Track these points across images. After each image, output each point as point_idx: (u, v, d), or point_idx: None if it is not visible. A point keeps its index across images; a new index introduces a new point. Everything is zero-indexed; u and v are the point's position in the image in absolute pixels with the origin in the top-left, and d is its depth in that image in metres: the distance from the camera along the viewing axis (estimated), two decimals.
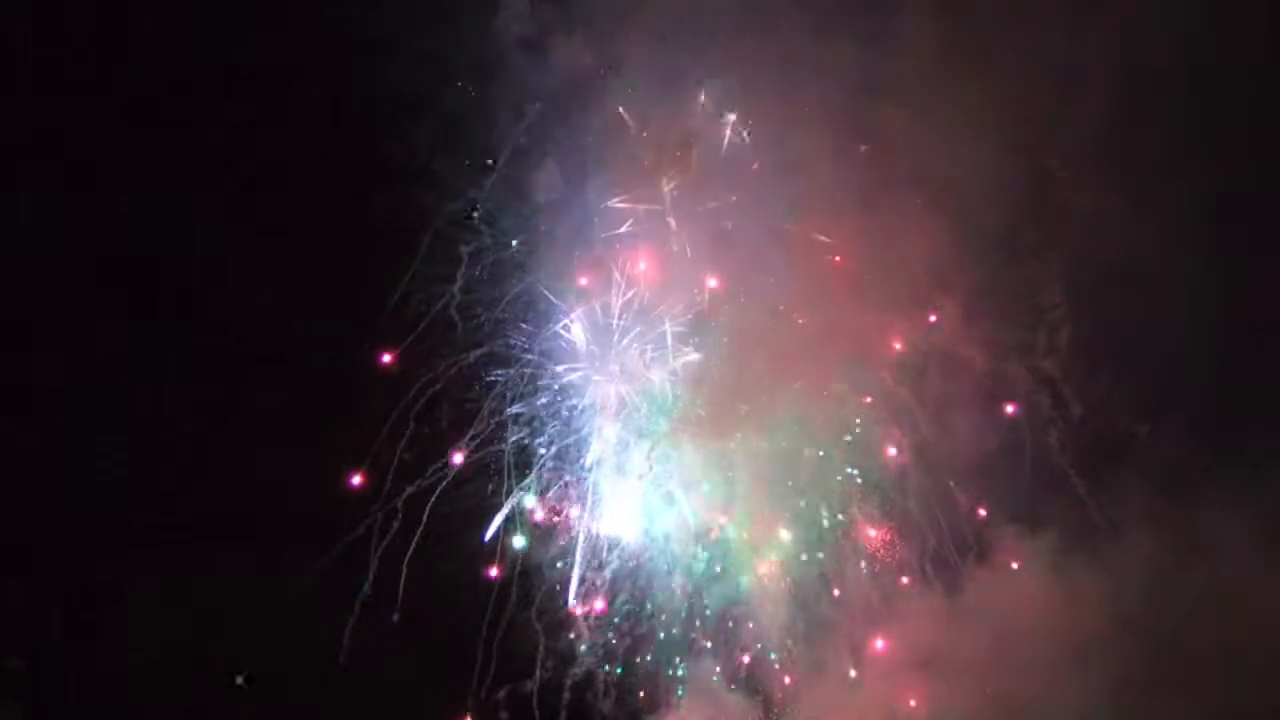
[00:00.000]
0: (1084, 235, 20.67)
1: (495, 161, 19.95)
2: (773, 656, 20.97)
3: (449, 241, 20.14)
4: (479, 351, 20.35)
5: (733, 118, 20.34)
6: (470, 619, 20.03)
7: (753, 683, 21.05)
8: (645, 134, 20.10)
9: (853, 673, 20.92)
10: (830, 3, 19.45)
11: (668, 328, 20.58)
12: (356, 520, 19.79)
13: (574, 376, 20.68)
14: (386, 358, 19.79)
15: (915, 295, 20.94)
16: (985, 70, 19.42)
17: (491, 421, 20.40)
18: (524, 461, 20.56)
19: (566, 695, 20.30)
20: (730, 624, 21.05)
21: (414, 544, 19.92)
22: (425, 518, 20.04)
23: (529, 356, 20.55)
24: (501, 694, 20.01)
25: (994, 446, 20.88)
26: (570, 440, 20.72)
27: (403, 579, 19.86)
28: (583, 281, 20.49)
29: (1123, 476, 20.60)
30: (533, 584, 20.50)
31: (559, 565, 20.58)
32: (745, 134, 20.42)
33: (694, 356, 20.75)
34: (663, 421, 20.90)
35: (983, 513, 21.14)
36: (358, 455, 19.72)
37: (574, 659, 20.48)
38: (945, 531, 21.15)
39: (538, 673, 20.19)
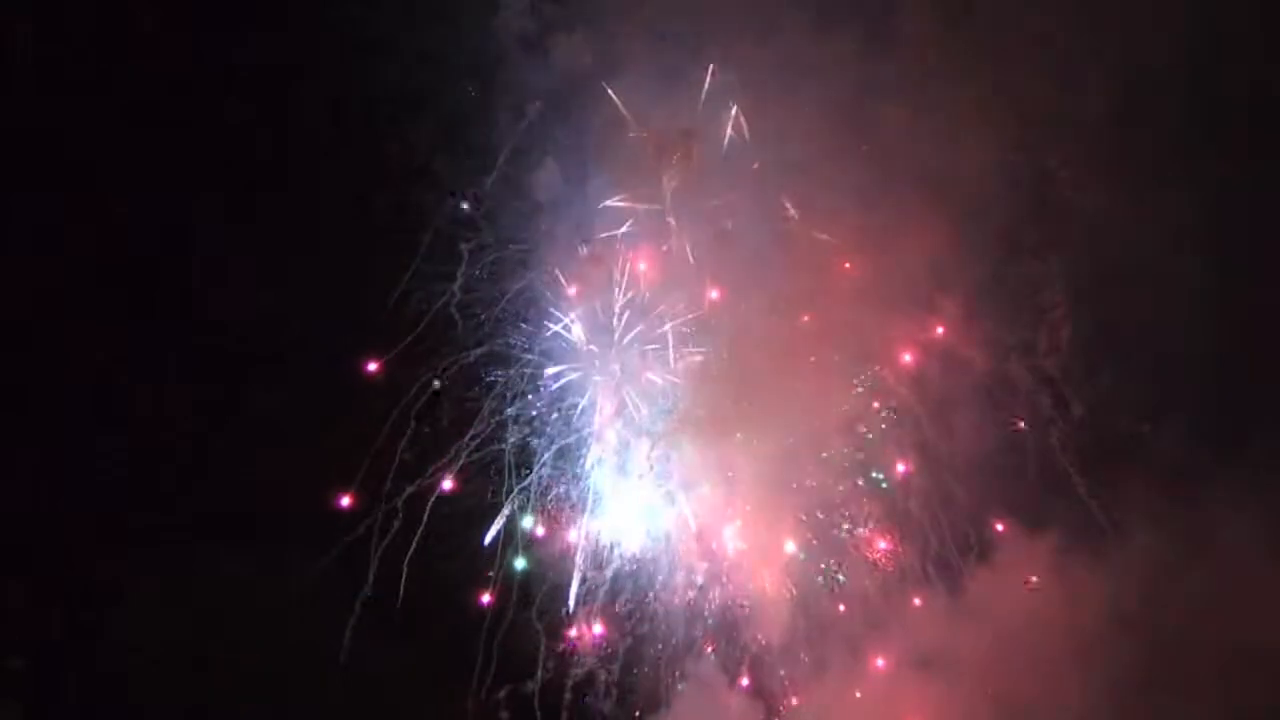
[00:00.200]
0: (1085, 234, 20.63)
1: (495, 161, 19.95)
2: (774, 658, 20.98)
3: (449, 240, 20.14)
4: (479, 350, 20.34)
5: (734, 111, 20.26)
6: (470, 619, 20.01)
7: (754, 682, 21.00)
8: (645, 132, 20.03)
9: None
10: (831, 2, 19.40)
11: (668, 328, 20.55)
12: (357, 520, 19.77)
13: (574, 376, 20.66)
14: (372, 366, 19.68)
15: (917, 295, 20.86)
16: (987, 69, 19.37)
17: (492, 421, 20.40)
18: (524, 461, 20.57)
19: (567, 696, 20.29)
20: (731, 624, 21.01)
21: (414, 544, 19.90)
22: (425, 517, 20.03)
23: (529, 356, 20.54)
24: (502, 694, 19.99)
25: (995, 446, 20.85)
26: (570, 440, 20.71)
27: (403, 579, 19.83)
28: (571, 292, 20.52)
29: (1124, 476, 20.54)
30: (534, 584, 20.47)
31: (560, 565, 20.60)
32: (745, 131, 20.36)
33: (695, 356, 20.71)
34: (663, 421, 20.87)
35: (1000, 527, 21.01)
36: (358, 455, 19.68)
37: (575, 659, 20.44)
38: (947, 531, 21.10)
39: (539, 673, 20.16)
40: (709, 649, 20.90)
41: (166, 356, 19.73)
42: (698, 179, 20.24)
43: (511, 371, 20.45)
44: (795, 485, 20.95)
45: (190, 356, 19.77)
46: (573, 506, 20.68)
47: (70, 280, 19.27)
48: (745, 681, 20.95)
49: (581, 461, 20.72)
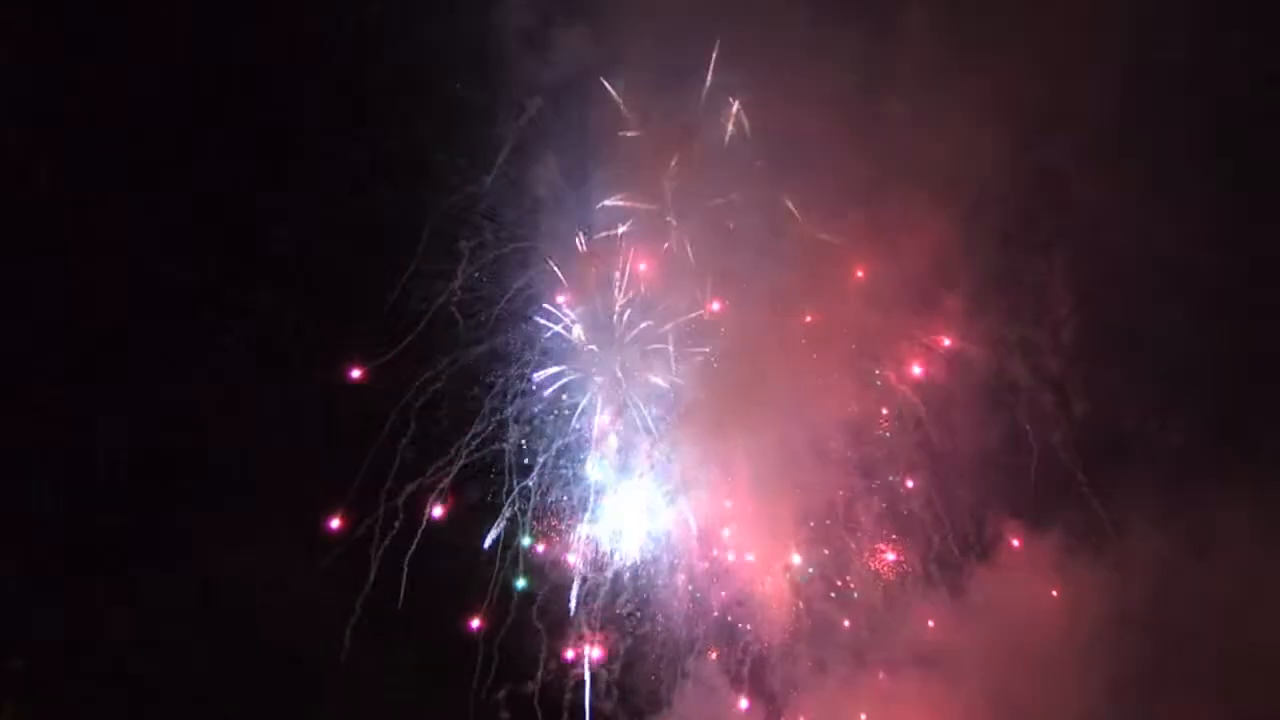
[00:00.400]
0: (1091, 231, 20.48)
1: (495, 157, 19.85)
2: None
3: (449, 237, 20.03)
4: (479, 349, 20.27)
5: (735, 105, 20.12)
6: (471, 618, 19.97)
7: (756, 682, 20.97)
8: (646, 129, 19.90)
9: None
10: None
11: (669, 327, 20.47)
12: (358, 520, 19.71)
13: (574, 375, 20.58)
14: (356, 373, 19.63)
15: (920, 293, 20.75)
16: (992, 63, 19.21)
17: (492, 420, 20.34)
18: (525, 460, 20.52)
19: (568, 695, 20.27)
20: (732, 623, 20.96)
21: (415, 543, 19.88)
22: (426, 517, 19.98)
23: (529, 355, 20.47)
24: (502, 694, 19.97)
25: (998, 445, 20.76)
26: (571, 439, 20.65)
27: (404, 578, 19.80)
28: (561, 300, 20.43)
29: (1128, 475, 20.46)
30: (535, 583, 20.44)
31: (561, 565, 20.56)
32: (746, 128, 20.22)
33: (696, 355, 20.64)
34: (664, 420, 20.80)
35: (1017, 543, 20.89)
36: (358, 454, 19.61)
37: (577, 659, 20.41)
38: (949, 531, 21.02)
39: (539, 673, 20.15)
40: (710, 649, 20.84)
41: (166, 354, 19.64)
42: (699, 176, 20.09)
43: (512, 370, 20.38)
44: (797, 485, 20.81)
45: (190, 355, 19.66)
46: (573, 506, 20.62)
47: (69, 278, 19.20)
48: (746, 681, 20.89)
49: (582, 461, 20.65)
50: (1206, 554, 19.59)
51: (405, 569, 19.71)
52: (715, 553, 21.01)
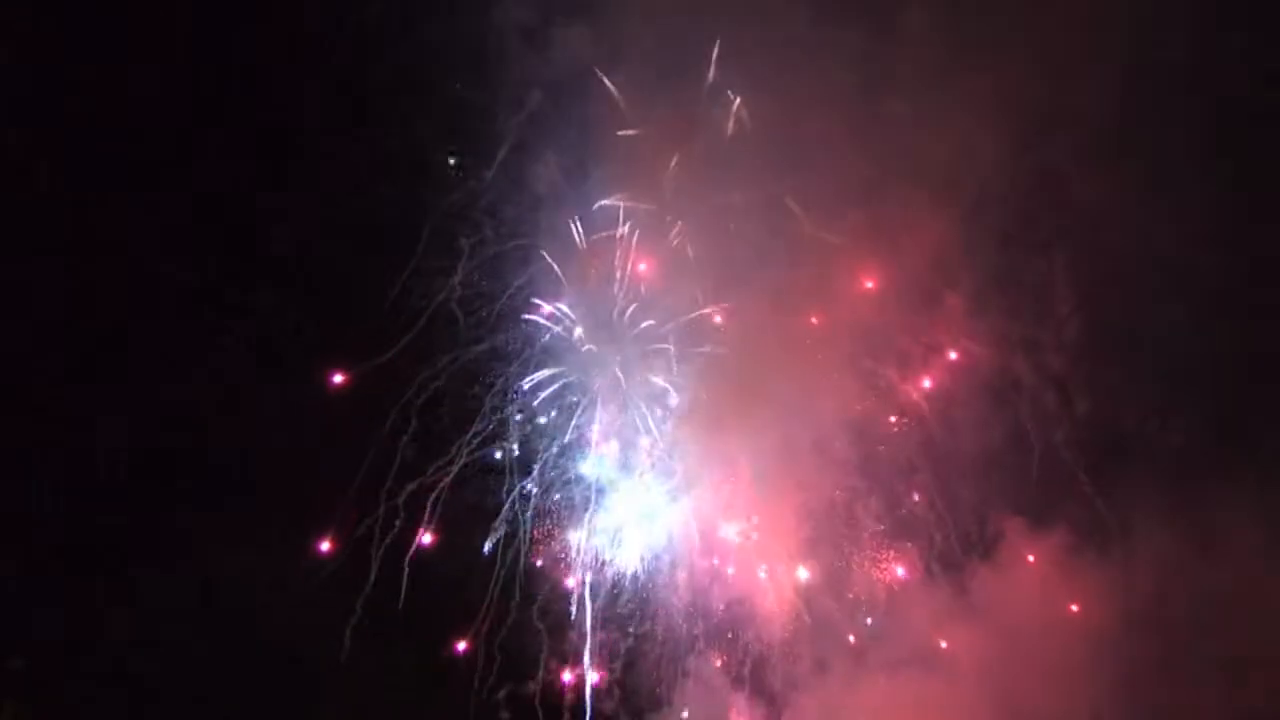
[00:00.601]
0: (1093, 230, 20.46)
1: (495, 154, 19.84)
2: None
3: (449, 234, 20.00)
4: (480, 348, 20.25)
5: (737, 102, 20.11)
6: (471, 618, 19.95)
7: (757, 681, 20.92)
8: (647, 125, 19.87)
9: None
10: None
11: (670, 326, 20.45)
12: (358, 519, 19.69)
13: (575, 374, 20.56)
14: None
15: (921, 292, 20.74)
16: (993, 62, 19.21)
17: (493, 419, 20.31)
18: (526, 459, 20.49)
19: (569, 695, 20.22)
20: (733, 623, 20.93)
21: (415, 542, 19.84)
22: (427, 516, 19.95)
23: (530, 353, 20.45)
24: (503, 694, 19.93)
25: (1001, 444, 20.73)
26: (572, 438, 20.63)
27: (404, 578, 19.76)
28: (562, 299, 20.34)
29: (1130, 474, 20.43)
30: (536, 583, 20.39)
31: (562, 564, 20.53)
32: (747, 125, 20.21)
33: (697, 354, 20.62)
34: (665, 419, 20.78)
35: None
36: (358, 454, 19.59)
37: (578, 658, 20.36)
38: (951, 529, 20.99)
39: (540, 673, 20.10)
40: (711, 648, 20.81)
41: (167, 354, 19.63)
42: (699, 175, 20.07)
43: (512, 369, 20.36)
44: (798, 484, 20.78)
45: (190, 355, 19.65)
46: (574, 505, 20.59)
47: (69, 279, 19.19)
48: (747, 680, 20.84)
49: (583, 460, 20.62)
50: (1209, 553, 19.54)
51: (406, 569, 19.67)
52: (716, 555, 20.99)
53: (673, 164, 19.92)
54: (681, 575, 20.76)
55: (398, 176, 19.50)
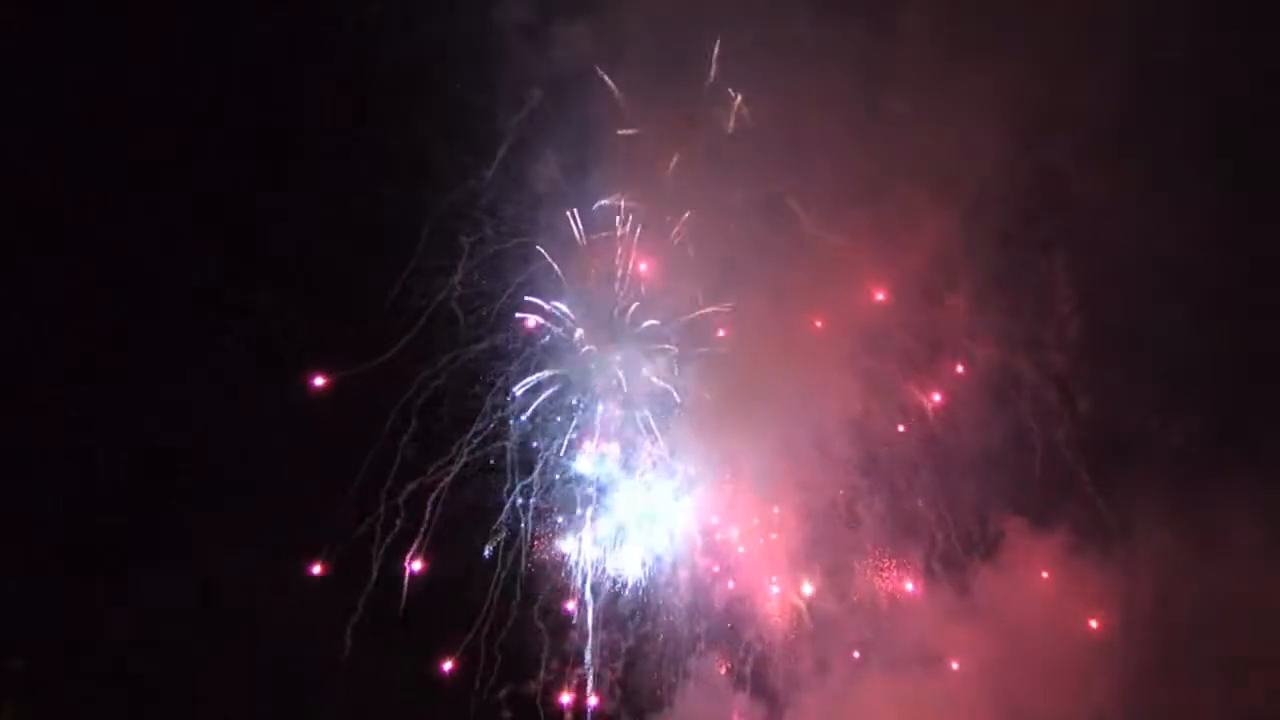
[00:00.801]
0: (1095, 228, 20.45)
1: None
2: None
3: (449, 233, 19.98)
4: (480, 346, 20.22)
5: (738, 100, 20.10)
6: (473, 618, 19.91)
7: (757, 680, 20.89)
8: (647, 123, 19.85)
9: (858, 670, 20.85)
10: None
11: (670, 326, 20.44)
12: (359, 518, 19.67)
13: (576, 373, 20.54)
14: (320, 380, 19.53)
15: (924, 291, 20.74)
16: (995, 59, 19.21)
17: (494, 418, 20.28)
18: (526, 459, 20.48)
19: (571, 695, 20.19)
20: (732, 623, 20.93)
21: (416, 542, 19.82)
22: (428, 515, 19.92)
23: (530, 352, 20.43)
24: (503, 693, 19.89)
25: (1002, 442, 20.71)
26: (573, 437, 20.60)
27: (405, 577, 19.72)
28: (562, 298, 20.33)
29: (1132, 474, 20.41)
30: (537, 583, 20.36)
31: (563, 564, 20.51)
32: (748, 118, 20.18)
33: (697, 354, 20.62)
34: (667, 418, 20.76)
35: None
36: (359, 454, 19.57)
37: (579, 658, 20.33)
38: (952, 529, 20.96)
39: (541, 673, 20.06)
40: (712, 648, 20.77)
41: (167, 355, 19.62)
42: (700, 173, 20.05)
43: (513, 368, 20.33)
44: (799, 483, 20.77)
45: (191, 355, 19.64)
46: (575, 504, 20.57)
47: (69, 280, 19.18)
48: (748, 680, 20.81)
49: (584, 459, 20.60)
50: (1211, 553, 19.52)
51: (406, 568, 19.64)
52: (717, 554, 20.96)
53: (673, 163, 19.90)
54: (683, 575, 20.73)
55: (398, 176, 19.47)
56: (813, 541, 21.03)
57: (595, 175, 19.87)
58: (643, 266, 20.51)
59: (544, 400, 20.48)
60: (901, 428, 21.17)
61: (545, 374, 20.45)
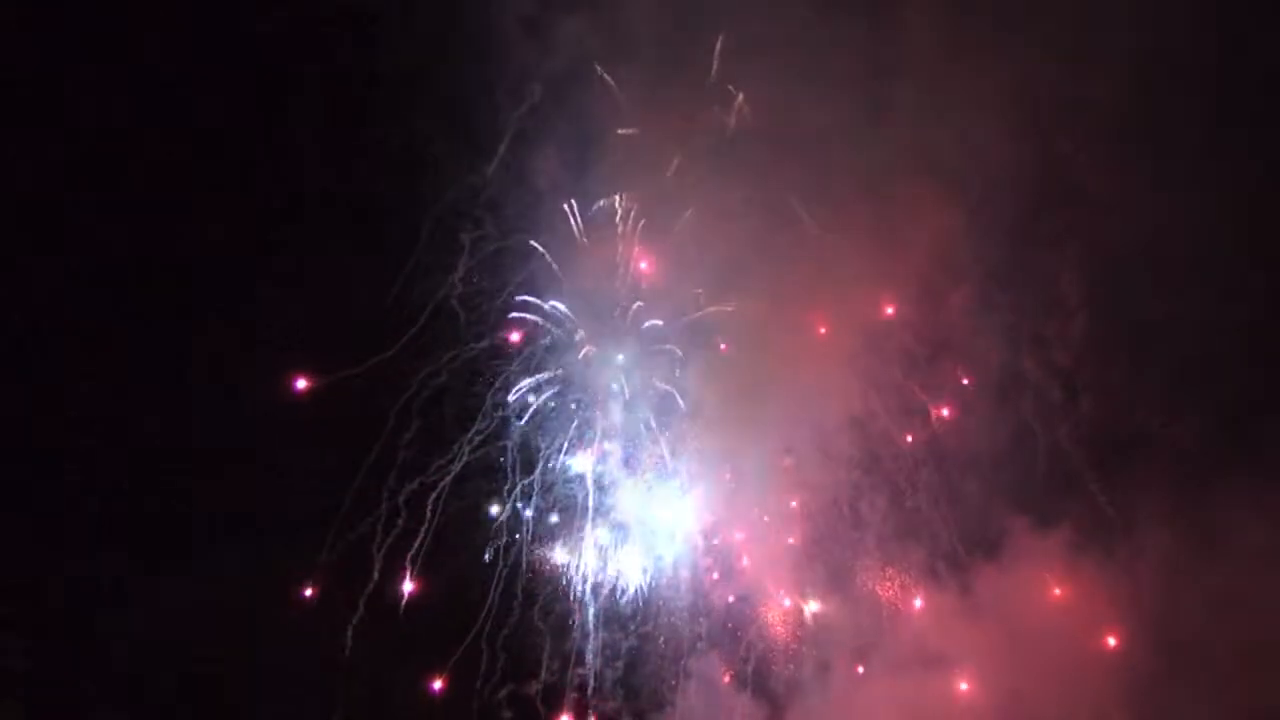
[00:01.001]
0: (1101, 225, 20.39)
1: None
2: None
3: (450, 230, 19.95)
4: (481, 344, 20.19)
5: (740, 98, 20.05)
6: (474, 617, 19.86)
7: (758, 680, 20.83)
8: (649, 121, 19.81)
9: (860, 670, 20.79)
10: None
11: (671, 326, 20.42)
12: (359, 518, 19.64)
13: (577, 371, 20.51)
14: (302, 383, 19.46)
15: (927, 288, 20.69)
16: (1002, 52, 19.16)
17: (495, 417, 20.24)
18: (527, 458, 20.44)
19: (572, 695, 20.14)
20: (733, 623, 20.87)
21: (417, 542, 19.78)
22: (428, 515, 19.88)
23: (531, 350, 20.40)
24: (504, 693, 19.84)
25: (1006, 442, 20.65)
26: (574, 436, 20.56)
27: (405, 576, 19.68)
28: (546, 309, 20.28)
29: (1136, 473, 20.35)
30: (538, 583, 20.32)
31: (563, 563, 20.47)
32: (749, 116, 20.13)
33: (698, 353, 20.57)
34: (668, 418, 20.73)
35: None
36: (360, 452, 19.53)
37: (580, 658, 20.29)
38: (956, 529, 20.90)
39: (542, 673, 20.00)
40: (713, 648, 20.72)
41: (167, 356, 19.61)
42: (702, 171, 20.02)
43: (514, 366, 20.29)
44: (801, 483, 20.72)
45: (191, 356, 19.62)
46: (576, 504, 20.52)
47: (69, 282, 19.18)
48: (749, 680, 20.75)
49: (585, 458, 20.56)
50: (1215, 551, 19.47)
51: (407, 567, 19.60)
52: (719, 554, 20.94)
53: (674, 161, 19.86)
54: (684, 575, 20.68)
55: (398, 172, 19.44)
56: (814, 541, 20.98)
57: (596, 173, 19.82)
58: (644, 265, 20.46)
59: (545, 400, 20.44)
60: (904, 428, 21.07)
61: (545, 374, 20.43)
